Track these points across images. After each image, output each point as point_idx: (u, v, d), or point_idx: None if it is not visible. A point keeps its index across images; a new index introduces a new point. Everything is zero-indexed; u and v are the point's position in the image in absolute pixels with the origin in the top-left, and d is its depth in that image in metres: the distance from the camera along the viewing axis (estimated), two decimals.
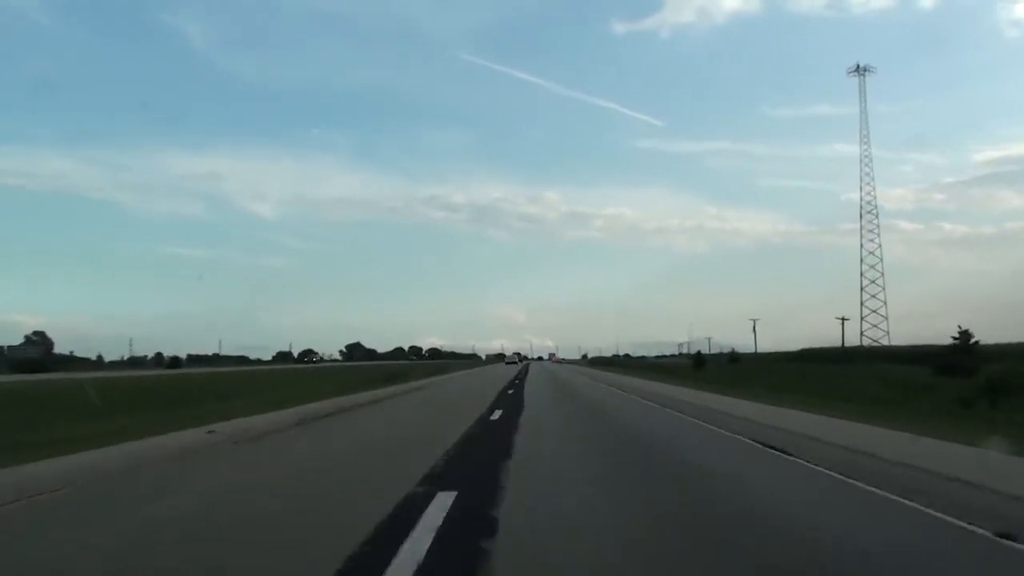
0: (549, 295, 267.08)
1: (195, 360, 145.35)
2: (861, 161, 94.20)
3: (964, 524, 5.87)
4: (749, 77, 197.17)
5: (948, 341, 37.88)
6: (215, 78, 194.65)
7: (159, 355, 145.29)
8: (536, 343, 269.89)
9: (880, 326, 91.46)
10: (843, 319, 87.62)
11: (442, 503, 6.65)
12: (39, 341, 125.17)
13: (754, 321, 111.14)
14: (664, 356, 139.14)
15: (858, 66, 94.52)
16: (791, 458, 9.81)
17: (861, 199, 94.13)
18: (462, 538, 5.46)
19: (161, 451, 11.55)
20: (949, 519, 6.07)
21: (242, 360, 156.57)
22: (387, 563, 4.73)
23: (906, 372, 35.11)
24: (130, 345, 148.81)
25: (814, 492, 7.77)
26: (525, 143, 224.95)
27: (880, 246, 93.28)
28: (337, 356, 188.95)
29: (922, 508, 6.54)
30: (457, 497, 6.94)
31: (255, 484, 8.66)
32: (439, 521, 5.92)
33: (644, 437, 13.26)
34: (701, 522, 6.16)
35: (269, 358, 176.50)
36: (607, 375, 57.29)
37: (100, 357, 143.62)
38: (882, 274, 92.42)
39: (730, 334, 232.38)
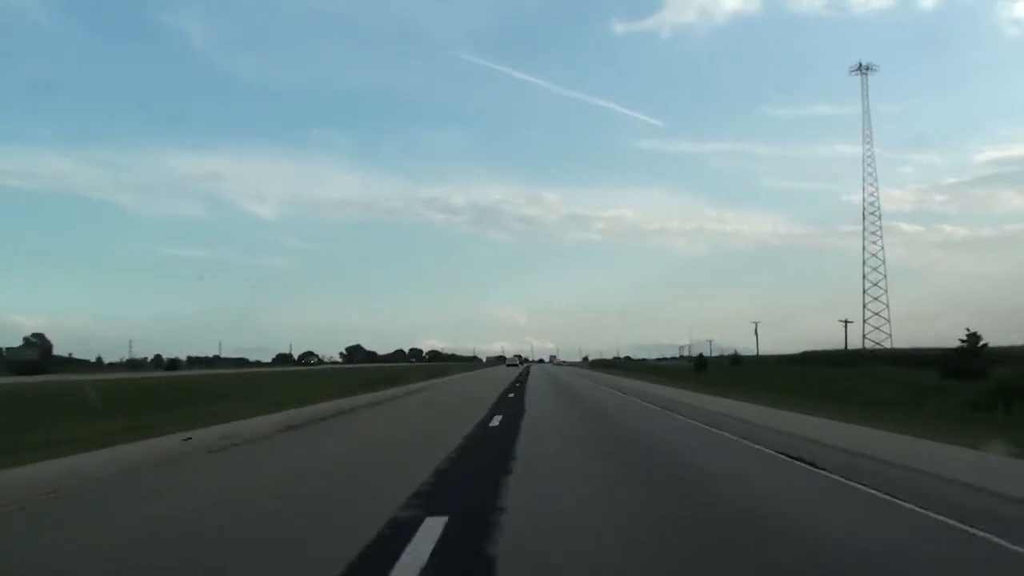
0: (550, 297, 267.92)
1: (194, 362, 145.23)
2: (864, 161, 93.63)
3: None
4: (749, 77, 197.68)
5: (950, 344, 37.65)
6: (215, 78, 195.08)
7: (158, 357, 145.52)
8: (537, 345, 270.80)
9: (882, 328, 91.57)
10: (847, 321, 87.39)
11: (431, 527, 5.78)
12: (38, 343, 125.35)
13: (756, 324, 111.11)
14: (665, 359, 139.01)
15: (860, 64, 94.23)
16: (793, 461, 9.79)
17: (864, 199, 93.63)
18: (462, 538, 5.48)
19: (150, 455, 11.52)
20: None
21: (241, 362, 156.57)
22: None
23: (913, 375, 34.76)
24: (130, 347, 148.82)
25: (814, 492, 7.76)
26: (525, 143, 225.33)
27: (883, 248, 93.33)
28: (337, 358, 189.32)
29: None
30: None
31: (254, 484, 8.67)
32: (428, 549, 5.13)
33: (645, 439, 13.25)
34: (702, 523, 6.16)
35: (269, 360, 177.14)
36: (608, 377, 57.33)
37: (99, 359, 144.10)
38: (884, 276, 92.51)
39: (731, 336, 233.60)
